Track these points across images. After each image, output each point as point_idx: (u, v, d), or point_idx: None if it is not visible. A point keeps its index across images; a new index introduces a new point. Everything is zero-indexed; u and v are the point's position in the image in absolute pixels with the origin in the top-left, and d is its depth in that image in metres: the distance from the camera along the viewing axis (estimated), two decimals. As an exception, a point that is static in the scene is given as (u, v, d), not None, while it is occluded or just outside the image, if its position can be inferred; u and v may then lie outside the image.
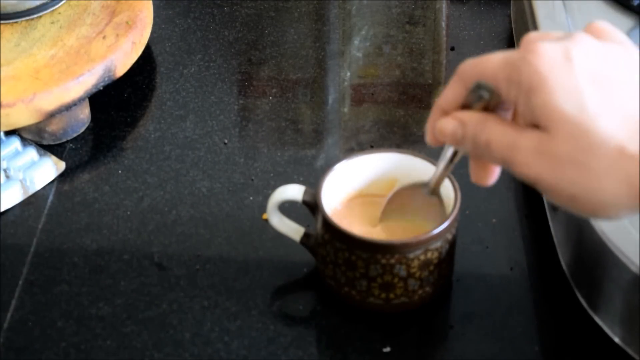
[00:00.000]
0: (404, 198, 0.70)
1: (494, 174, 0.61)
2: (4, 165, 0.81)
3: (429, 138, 0.61)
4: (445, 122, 0.59)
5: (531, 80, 0.54)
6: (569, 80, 0.53)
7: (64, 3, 0.88)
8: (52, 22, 0.87)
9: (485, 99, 0.57)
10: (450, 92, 0.59)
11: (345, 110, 0.89)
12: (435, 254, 0.67)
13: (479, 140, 0.57)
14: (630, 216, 0.55)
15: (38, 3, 0.86)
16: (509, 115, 0.58)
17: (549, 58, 0.54)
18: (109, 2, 0.88)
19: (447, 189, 0.69)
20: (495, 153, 0.56)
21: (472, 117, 0.57)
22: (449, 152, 0.63)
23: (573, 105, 0.52)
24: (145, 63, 0.92)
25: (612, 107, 0.52)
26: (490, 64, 0.56)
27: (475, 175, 0.61)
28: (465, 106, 0.59)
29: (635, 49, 0.56)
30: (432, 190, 0.68)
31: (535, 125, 0.54)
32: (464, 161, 0.79)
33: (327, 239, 0.68)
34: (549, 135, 0.53)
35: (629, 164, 0.51)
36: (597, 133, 0.52)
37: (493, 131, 0.56)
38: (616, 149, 0.52)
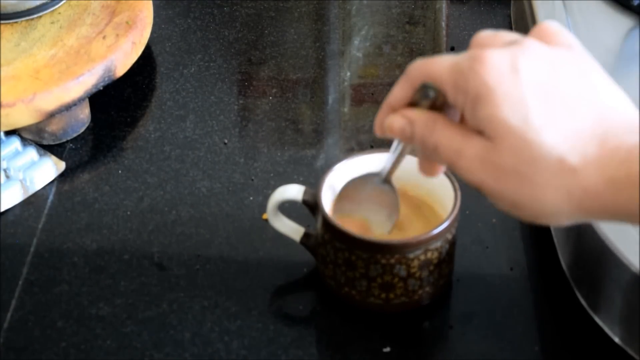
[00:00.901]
0: (355, 189, 0.70)
1: (441, 169, 0.63)
2: (4, 165, 0.81)
3: (378, 131, 0.62)
4: (394, 119, 0.60)
5: (478, 91, 0.54)
6: (515, 92, 0.54)
7: (64, 3, 0.88)
8: (52, 22, 0.87)
9: (431, 98, 0.58)
10: (399, 91, 0.60)
11: (345, 110, 0.89)
12: (435, 254, 0.67)
13: (428, 143, 0.58)
14: (572, 223, 0.57)
15: (38, 3, 0.86)
16: (456, 114, 0.59)
17: (496, 68, 0.54)
18: (109, 2, 0.88)
19: (447, 189, 0.69)
20: (442, 156, 0.57)
21: (420, 117, 0.59)
22: (399, 145, 0.64)
23: (517, 118, 0.53)
24: (145, 63, 0.92)
25: (555, 120, 0.53)
26: (438, 67, 0.57)
27: (422, 169, 0.63)
28: (413, 104, 0.60)
29: (583, 52, 0.57)
30: (385, 179, 0.68)
31: (481, 132, 0.55)
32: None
33: (327, 239, 0.68)
34: (493, 146, 0.54)
35: (569, 176, 0.53)
36: (540, 146, 0.53)
37: (441, 135, 0.57)
38: (557, 162, 0.53)
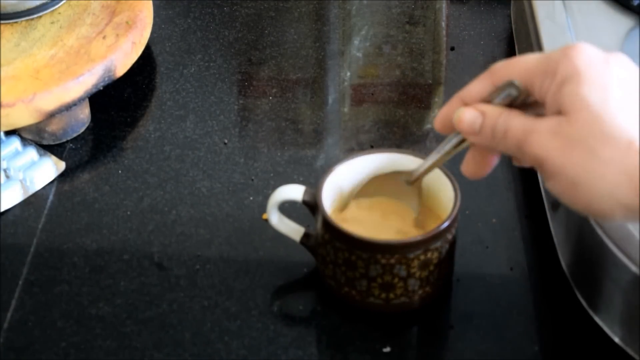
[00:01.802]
0: (381, 181, 0.71)
1: (489, 168, 0.64)
2: (4, 165, 0.81)
3: (438, 124, 0.64)
4: (466, 111, 0.61)
5: (567, 72, 0.57)
6: (601, 79, 0.56)
7: (64, 3, 0.88)
8: (52, 22, 0.87)
9: (513, 96, 0.60)
10: (476, 86, 0.62)
11: (345, 110, 0.89)
12: (435, 254, 0.67)
13: (498, 130, 0.59)
14: (623, 219, 0.58)
15: (38, 3, 0.86)
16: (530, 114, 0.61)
17: (589, 56, 0.57)
18: (109, 2, 0.88)
19: (447, 189, 0.69)
20: (510, 140, 0.59)
21: (493, 110, 0.60)
22: (448, 145, 0.64)
23: (598, 97, 0.56)
24: (145, 63, 0.92)
25: (630, 110, 0.56)
26: (526, 62, 0.60)
27: (469, 168, 0.64)
28: (486, 101, 0.61)
29: None
30: (414, 180, 0.68)
31: (558, 114, 0.57)
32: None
33: (327, 239, 0.68)
34: (568, 119, 0.56)
35: (633, 157, 0.54)
36: (613, 125, 0.55)
37: (513, 121, 0.59)
38: (626, 142, 0.55)
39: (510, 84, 0.60)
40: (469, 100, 0.62)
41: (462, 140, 0.64)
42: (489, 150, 0.62)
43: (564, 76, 0.57)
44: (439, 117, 0.63)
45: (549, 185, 0.58)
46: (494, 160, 0.63)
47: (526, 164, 0.60)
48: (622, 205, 0.55)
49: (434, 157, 0.67)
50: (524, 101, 0.60)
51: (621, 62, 0.58)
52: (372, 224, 0.71)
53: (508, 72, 0.60)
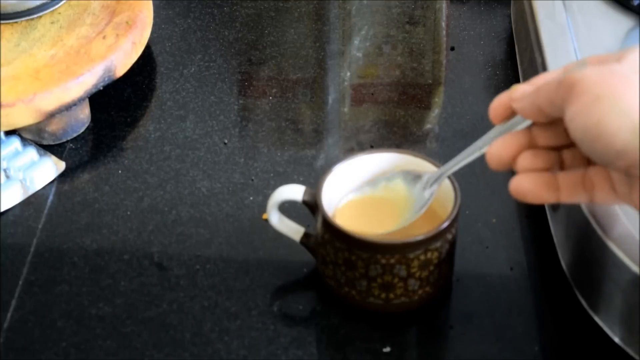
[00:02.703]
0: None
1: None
2: (4, 165, 0.81)
3: (495, 112, 0.63)
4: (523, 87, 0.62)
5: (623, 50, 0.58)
6: None
7: (64, 3, 0.88)
8: (52, 22, 0.87)
9: None
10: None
11: (345, 110, 0.89)
12: (435, 254, 0.67)
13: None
14: (623, 144, 0.56)
15: (38, 3, 0.86)
16: None
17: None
18: (109, 2, 0.88)
19: (447, 189, 0.69)
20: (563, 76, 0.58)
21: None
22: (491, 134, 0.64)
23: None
24: (145, 63, 0.92)
25: None
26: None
27: (499, 150, 0.62)
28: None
29: None
30: (423, 181, 0.69)
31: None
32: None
33: (327, 239, 0.68)
34: (619, 62, 0.57)
35: None
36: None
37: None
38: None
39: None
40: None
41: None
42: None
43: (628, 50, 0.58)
44: (499, 104, 0.63)
45: (571, 109, 0.57)
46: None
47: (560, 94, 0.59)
48: (631, 125, 0.55)
49: (457, 166, 0.66)
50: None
51: None
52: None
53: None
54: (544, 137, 0.62)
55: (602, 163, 0.57)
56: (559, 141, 0.61)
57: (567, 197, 0.61)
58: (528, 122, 0.61)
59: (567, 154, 0.62)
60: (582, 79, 0.57)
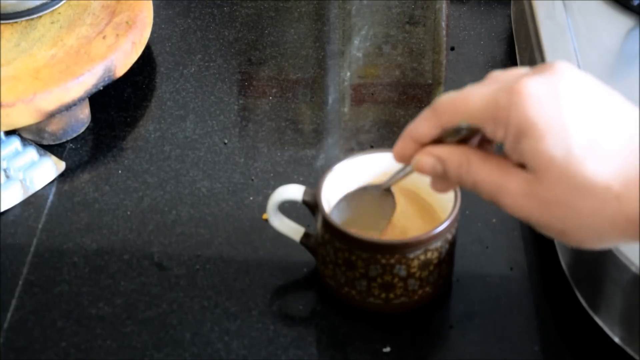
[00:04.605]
0: (352, 201, 0.70)
1: (452, 186, 0.63)
2: (4, 165, 0.81)
3: (397, 160, 0.62)
4: (423, 158, 0.59)
5: (520, 125, 0.54)
6: (557, 122, 0.53)
7: (64, 3, 0.88)
8: (52, 22, 0.87)
9: (463, 135, 0.58)
10: (425, 127, 0.59)
11: (345, 110, 0.89)
12: (435, 254, 0.67)
13: (466, 182, 0.58)
14: (620, 244, 0.58)
15: (38, 3, 0.86)
16: (486, 144, 0.59)
17: (537, 99, 0.54)
18: (109, 2, 0.88)
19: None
20: (483, 192, 0.57)
21: (451, 155, 0.58)
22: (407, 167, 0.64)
23: (561, 149, 0.53)
24: (145, 63, 0.92)
25: (597, 147, 0.53)
26: (473, 105, 0.56)
27: (435, 187, 0.62)
28: (439, 139, 0.59)
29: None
30: (385, 189, 0.68)
31: (523, 165, 0.55)
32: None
33: (327, 239, 0.68)
34: (536, 178, 0.54)
35: (613, 204, 0.53)
36: (583, 176, 0.53)
37: (478, 173, 0.57)
38: (602, 189, 0.53)
39: (458, 129, 0.57)
40: (420, 140, 0.60)
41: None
42: None
43: (518, 129, 0.54)
44: (396, 155, 0.61)
45: (541, 231, 0.57)
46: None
47: None
48: (614, 243, 0.56)
49: (403, 172, 0.65)
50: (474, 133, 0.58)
51: (570, 84, 0.54)
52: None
53: (454, 115, 0.57)
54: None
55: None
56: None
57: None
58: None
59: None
60: (529, 217, 0.56)
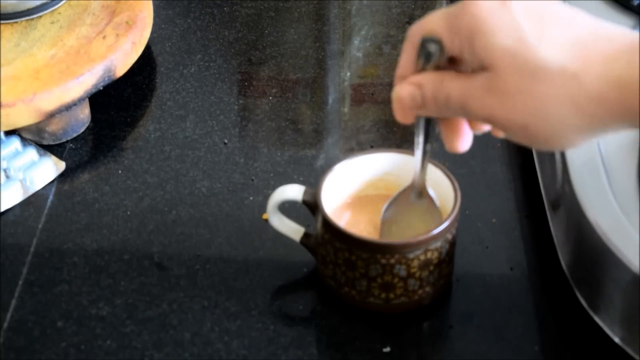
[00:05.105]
0: (396, 211, 0.70)
1: (466, 138, 0.62)
2: (4, 165, 0.81)
3: (397, 114, 0.62)
4: (401, 88, 0.60)
5: (471, 26, 0.56)
6: (507, 19, 0.55)
7: (64, 3, 0.88)
8: (52, 22, 0.87)
9: (435, 55, 0.59)
10: (404, 58, 0.61)
11: (345, 110, 0.89)
12: (435, 254, 0.67)
13: (439, 98, 0.59)
14: (583, 142, 0.56)
15: (38, 3, 0.86)
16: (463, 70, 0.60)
17: (487, 4, 0.55)
18: (109, 2, 0.88)
19: (447, 189, 0.69)
20: (454, 104, 0.58)
21: (427, 78, 0.59)
22: (420, 135, 0.64)
23: (512, 39, 0.54)
24: (145, 63, 0.92)
25: (550, 36, 0.54)
26: (433, 18, 0.59)
27: (448, 143, 0.62)
28: (419, 71, 0.60)
29: None
30: (420, 193, 0.68)
31: (483, 69, 0.56)
32: (463, 161, 0.79)
33: (327, 239, 0.68)
34: (494, 73, 0.55)
35: (571, 83, 0.53)
36: (538, 59, 0.54)
37: (450, 85, 0.58)
38: (557, 71, 0.53)
39: (425, 40, 0.58)
40: (406, 75, 0.61)
41: (428, 123, 0.63)
42: (445, 117, 0.61)
43: (470, 30, 0.56)
44: (394, 106, 0.62)
45: (508, 136, 0.58)
46: (464, 129, 0.62)
47: (484, 125, 0.60)
48: (577, 132, 0.55)
49: (419, 156, 0.66)
50: (452, 59, 0.59)
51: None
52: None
53: (420, 31, 0.59)
54: None
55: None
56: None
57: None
58: None
59: None
60: (492, 115, 0.56)
